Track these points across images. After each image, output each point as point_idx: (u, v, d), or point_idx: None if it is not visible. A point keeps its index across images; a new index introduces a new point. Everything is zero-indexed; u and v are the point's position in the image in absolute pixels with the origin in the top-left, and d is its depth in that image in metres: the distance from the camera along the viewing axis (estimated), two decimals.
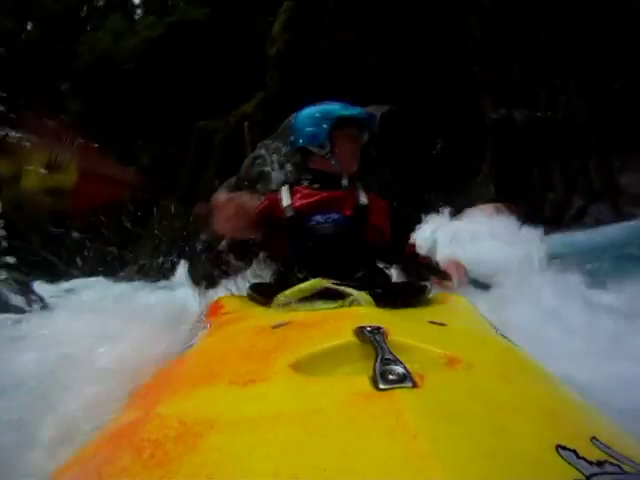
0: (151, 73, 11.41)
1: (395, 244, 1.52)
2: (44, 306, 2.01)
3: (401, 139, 6.93)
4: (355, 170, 1.55)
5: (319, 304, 0.82)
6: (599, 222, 6.52)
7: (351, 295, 0.80)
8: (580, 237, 5.11)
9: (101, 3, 15.71)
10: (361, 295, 0.79)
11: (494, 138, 7.70)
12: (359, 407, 0.38)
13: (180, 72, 11.15)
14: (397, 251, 1.55)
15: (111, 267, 6.14)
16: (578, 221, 6.84)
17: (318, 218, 1.39)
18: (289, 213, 1.40)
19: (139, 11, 15.68)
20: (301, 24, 8.21)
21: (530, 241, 2.22)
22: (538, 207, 6.92)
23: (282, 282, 1.14)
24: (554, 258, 2.00)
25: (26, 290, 1.98)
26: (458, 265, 1.59)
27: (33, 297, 1.97)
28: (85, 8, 15.51)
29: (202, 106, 10.36)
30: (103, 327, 1.16)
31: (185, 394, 0.48)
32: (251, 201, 1.38)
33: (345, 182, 1.49)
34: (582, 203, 7.18)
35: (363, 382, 0.41)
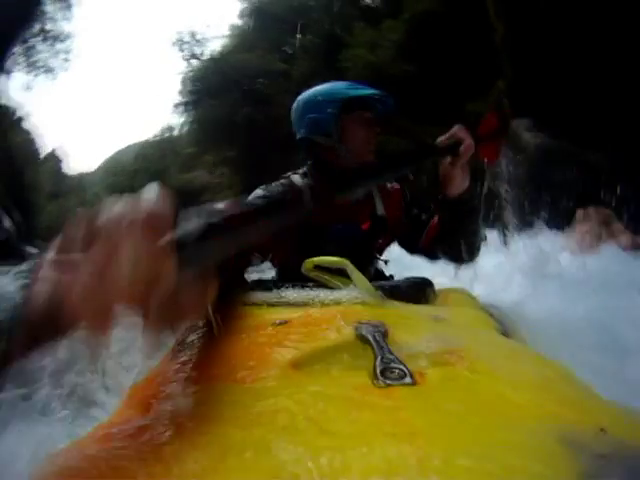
0: (412, 71, 12.31)
1: (410, 234, 1.34)
2: None
3: None
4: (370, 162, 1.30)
5: (333, 277, 0.83)
6: None
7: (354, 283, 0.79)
8: None
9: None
10: (368, 286, 0.78)
11: None
12: (359, 404, 0.38)
13: (429, 66, 11.58)
14: (414, 240, 1.33)
15: None
16: None
17: (335, 230, 1.24)
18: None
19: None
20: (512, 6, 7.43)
21: None
22: None
23: (285, 280, 0.95)
24: None
25: None
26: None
27: None
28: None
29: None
30: None
31: (184, 392, 0.47)
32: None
33: None
34: None
35: (363, 380, 0.42)
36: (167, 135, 32.42)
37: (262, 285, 0.97)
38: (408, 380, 0.41)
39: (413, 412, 0.36)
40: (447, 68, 11.27)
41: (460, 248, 1.23)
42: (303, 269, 0.87)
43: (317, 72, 14.71)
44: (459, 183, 1.16)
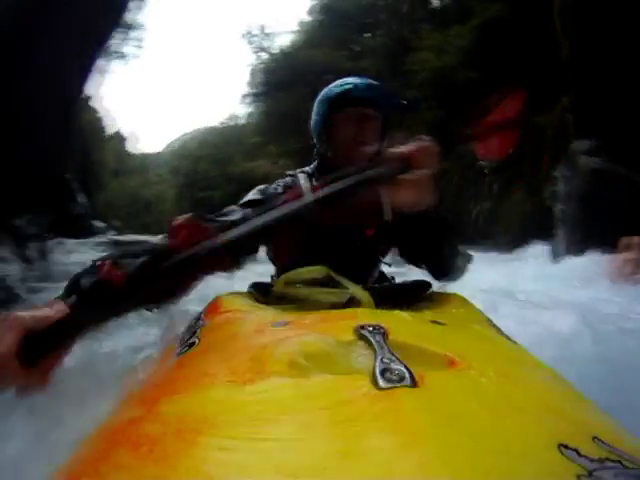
0: (476, 78, 12.31)
1: (406, 243, 1.21)
2: None
3: None
4: (366, 160, 1.06)
5: (319, 290, 0.81)
6: None
7: (348, 289, 0.77)
8: None
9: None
10: (359, 291, 0.77)
11: None
12: (359, 406, 0.38)
13: (494, 75, 11.88)
14: (408, 250, 1.21)
15: None
16: None
17: (337, 234, 1.16)
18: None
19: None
20: (580, 24, 7.24)
21: None
22: None
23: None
24: None
25: None
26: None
27: None
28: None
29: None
30: None
31: (184, 393, 0.48)
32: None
33: None
34: None
35: (363, 381, 0.42)
36: (233, 124, 33.52)
37: (261, 287, 0.98)
38: (408, 381, 0.41)
39: (413, 414, 0.36)
40: (511, 78, 11.33)
41: (434, 265, 1.14)
42: (276, 288, 0.87)
43: (383, 72, 14.94)
44: (404, 201, 0.90)
